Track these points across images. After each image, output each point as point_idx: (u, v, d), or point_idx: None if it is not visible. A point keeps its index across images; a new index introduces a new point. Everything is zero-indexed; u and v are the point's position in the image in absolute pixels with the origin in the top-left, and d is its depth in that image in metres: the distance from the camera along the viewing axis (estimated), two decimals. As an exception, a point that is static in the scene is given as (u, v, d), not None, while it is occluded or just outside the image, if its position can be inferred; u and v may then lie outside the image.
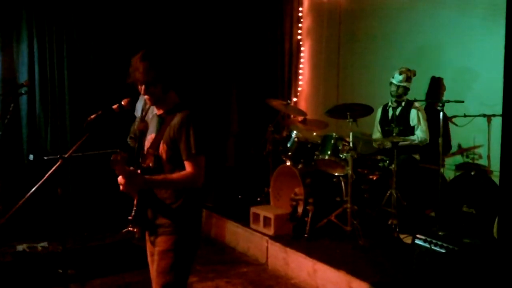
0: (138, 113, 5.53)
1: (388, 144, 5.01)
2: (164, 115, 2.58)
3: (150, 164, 2.51)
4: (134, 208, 2.45)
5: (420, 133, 5.11)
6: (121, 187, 2.37)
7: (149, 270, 2.72)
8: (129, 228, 2.43)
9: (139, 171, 2.47)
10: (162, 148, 2.50)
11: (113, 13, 6.02)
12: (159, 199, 2.53)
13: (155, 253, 2.57)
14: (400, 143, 4.86)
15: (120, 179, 2.35)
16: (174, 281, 2.52)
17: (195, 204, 2.59)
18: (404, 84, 5.16)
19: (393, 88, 5.21)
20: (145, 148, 2.59)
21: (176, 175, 2.48)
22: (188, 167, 2.47)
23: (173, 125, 2.48)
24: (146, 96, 2.52)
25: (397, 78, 5.17)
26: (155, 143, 2.53)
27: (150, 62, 2.43)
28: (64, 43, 5.83)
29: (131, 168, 2.41)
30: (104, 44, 6.01)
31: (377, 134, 5.44)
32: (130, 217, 2.44)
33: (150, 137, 2.60)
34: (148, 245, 2.68)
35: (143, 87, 2.48)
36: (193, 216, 2.60)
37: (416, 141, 5.09)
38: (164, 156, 2.51)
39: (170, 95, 2.57)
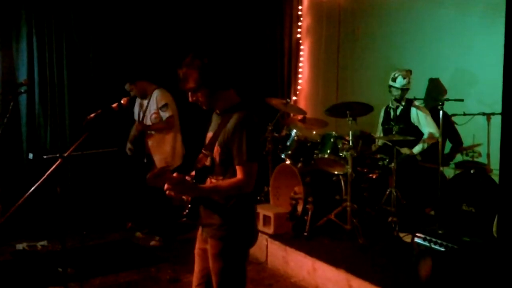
0: (136, 117, 5.53)
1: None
2: (221, 115, 2.54)
3: (206, 163, 2.49)
4: (189, 205, 2.44)
5: (428, 129, 5.11)
6: (167, 192, 2.37)
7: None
8: (184, 219, 2.47)
9: (193, 173, 2.47)
10: (216, 150, 2.47)
11: (113, 12, 6.00)
12: (211, 198, 2.49)
13: (208, 253, 2.54)
14: (417, 150, 5.08)
15: (166, 187, 2.34)
16: (230, 283, 2.51)
17: (246, 204, 2.52)
18: (407, 86, 5.17)
19: (397, 93, 5.19)
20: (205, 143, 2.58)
21: (227, 183, 2.42)
22: (239, 173, 2.40)
23: (227, 128, 2.43)
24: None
25: (400, 83, 5.15)
26: (210, 144, 2.50)
27: (187, 70, 2.43)
28: (63, 42, 5.81)
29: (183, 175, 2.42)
30: (103, 43, 5.99)
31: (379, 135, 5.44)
32: (184, 213, 2.44)
33: (208, 135, 2.58)
34: (199, 239, 2.65)
35: (189, 93, 2.48)
36: (244, 217, 2.52)
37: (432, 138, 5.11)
38: (217, 158, 2.47)
39: (224, 95, 2.52)
